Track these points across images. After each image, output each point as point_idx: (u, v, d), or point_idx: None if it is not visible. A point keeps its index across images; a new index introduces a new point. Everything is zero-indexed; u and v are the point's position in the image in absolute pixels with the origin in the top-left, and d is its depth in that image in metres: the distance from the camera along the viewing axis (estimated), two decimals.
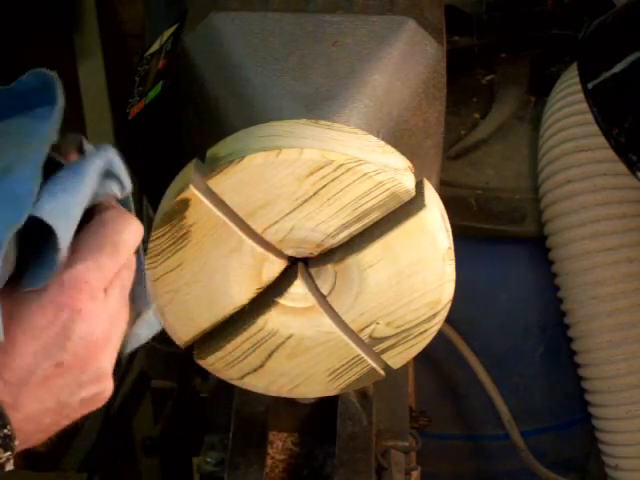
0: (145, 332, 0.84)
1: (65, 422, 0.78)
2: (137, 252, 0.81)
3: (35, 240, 0.74)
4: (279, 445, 1.20)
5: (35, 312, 0.73)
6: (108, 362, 0.77)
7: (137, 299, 0.83)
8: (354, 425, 1.14)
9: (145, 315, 0.84)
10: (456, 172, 1.57)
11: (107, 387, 0.78)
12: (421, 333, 0.96)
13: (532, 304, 1.63)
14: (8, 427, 0.73)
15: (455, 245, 0.93)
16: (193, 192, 0.88)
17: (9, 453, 0.73)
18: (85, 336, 0.74)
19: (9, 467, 0.73)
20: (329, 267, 0.93)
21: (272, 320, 0.95)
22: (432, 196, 0.92)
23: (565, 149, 1.47)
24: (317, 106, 0.92)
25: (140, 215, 0.82)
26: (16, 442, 0.74)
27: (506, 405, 1.62)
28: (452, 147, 1.59)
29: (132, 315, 0.82)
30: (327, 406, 1.15)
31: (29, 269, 0.75)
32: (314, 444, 1.20)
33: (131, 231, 0.78)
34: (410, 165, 0.92)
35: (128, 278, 0.79)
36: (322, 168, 0.87)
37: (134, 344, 0.84)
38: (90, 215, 0.77)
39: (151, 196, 1.07)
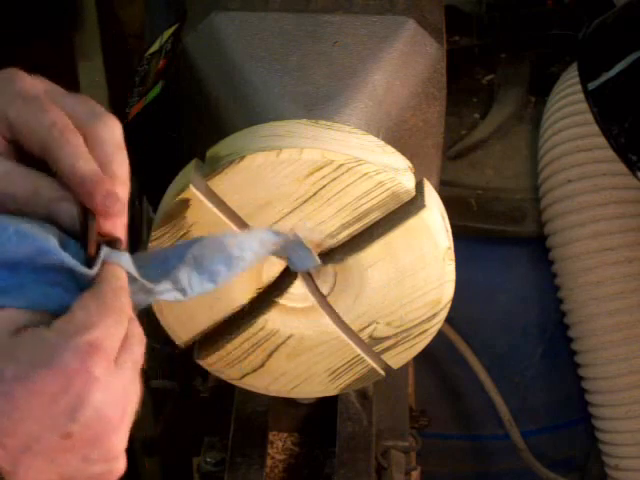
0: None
1: None
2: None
3: None
4: (279, 445, 1.20)
5: (45, 376, 0.64)
6: (121, 443, 0.69)
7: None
8: (354, 425, 1.14)
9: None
10: (456, 172, 1.57)
11: (119, 467, 0.71)
12: (421, 333, 0.96)
13: (532, 304, 1.62)
14: None
15: (455, 245, 0.93)
16: (193, 192, 0.88)
17: None
18: (99, 408, 0.66)
19: None
20: (329, 267, 0.93)
21: (272, 320, 0.95)
22: (432, 196, 0.92)
23: (565, 149, 1.47)
24: (317, 106, 0.92)
25: (140, 215, 0.81)
26: None
27: (506, 405, 1.62)
28: (452, 147, 1.59)
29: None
30: (327, 406, 1.15)
31: None
32: (314, 444, 1.20)
33: (127, 297, 0.69)
34: (410, 165, 0.92)
35: (140, 354, 0.70)
36: (322, 168, 0.87)
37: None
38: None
39: (151, 196, 1.07)
